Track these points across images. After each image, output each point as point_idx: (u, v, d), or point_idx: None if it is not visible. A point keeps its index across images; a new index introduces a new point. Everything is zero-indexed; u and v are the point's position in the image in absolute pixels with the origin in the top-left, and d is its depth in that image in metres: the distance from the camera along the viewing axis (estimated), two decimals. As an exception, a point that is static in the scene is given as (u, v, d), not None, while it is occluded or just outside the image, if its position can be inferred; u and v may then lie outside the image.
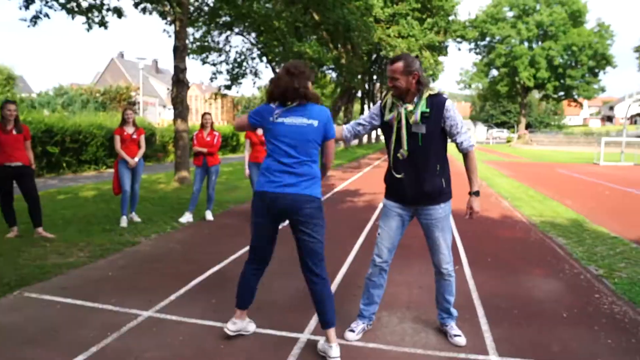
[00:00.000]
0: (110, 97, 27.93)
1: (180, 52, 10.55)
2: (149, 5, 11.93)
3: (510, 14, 43.08)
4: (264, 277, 3.57)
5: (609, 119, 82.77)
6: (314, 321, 3.54)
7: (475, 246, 6.01)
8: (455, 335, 3.32)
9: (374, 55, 24.92)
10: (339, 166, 17.99)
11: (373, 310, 3.45)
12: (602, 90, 43.02)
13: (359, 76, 20.65)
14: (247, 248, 5.55)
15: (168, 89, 50.47)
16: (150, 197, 9.13)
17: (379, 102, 3.34)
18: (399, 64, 3.02)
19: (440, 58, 23.07)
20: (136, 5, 11.72)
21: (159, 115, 41.68)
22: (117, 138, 6.68)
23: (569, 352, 3.22)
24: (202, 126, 7.16)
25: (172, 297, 3.94)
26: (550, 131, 53.98)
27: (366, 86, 25.67)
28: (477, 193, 3.27)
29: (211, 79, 17.26)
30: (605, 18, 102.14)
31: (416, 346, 3.24)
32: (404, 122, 3.05)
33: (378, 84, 39.00)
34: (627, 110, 22.19)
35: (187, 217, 7.08)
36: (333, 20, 14.19)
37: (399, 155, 3.11)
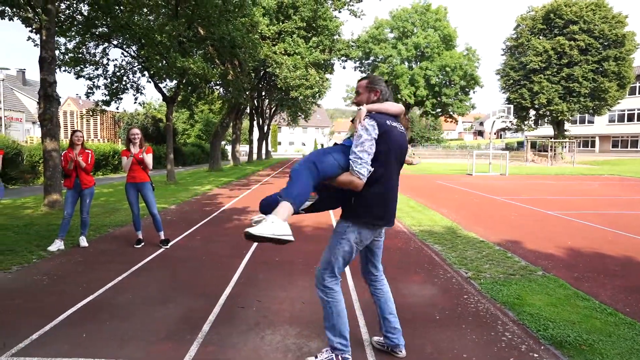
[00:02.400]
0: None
1: (47, 64, 9.66)
2: (8, 10, 10.81)
3: (391, 35, 46.19)
4: (142, 305, 3.35)
5: (480, 133, 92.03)
6: (195, 347, 3.39)
7: (357, 258, 6.20)
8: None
9: (261, 72, 25.07)
10: (226, 184, 17.68)
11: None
12: (473, 107, 47.65)
13: (247, 92, 20.58)
14: (126, 274, 5.22)
15: (38, 103, 46.14)
16: (13, 224, 8.16)
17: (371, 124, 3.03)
18: (364, 81, 3.23)
19: (327, 75, 23.94)
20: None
21: (27, 132, 37.78)
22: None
23: (439, 352, 3.44)
24: (72, 145, 6.60)
25: (34, 336, 3.53)
26: (430, 145, 58.43)
27: (255, 102, 25.68)
28: None
29: (87, 95, 16.02)
30: (472, 43, 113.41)
31: (298, 362, 3.25)
32: None
33: (267, 101, 39.25)
34: (492, 126, 24.78)
35: (57, 245, 6.44)
36: (218, 35, 14.01)
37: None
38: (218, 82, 20.53)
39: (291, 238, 2.58)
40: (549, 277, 5.35)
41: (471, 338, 3.70)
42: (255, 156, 41.19)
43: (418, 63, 45.49)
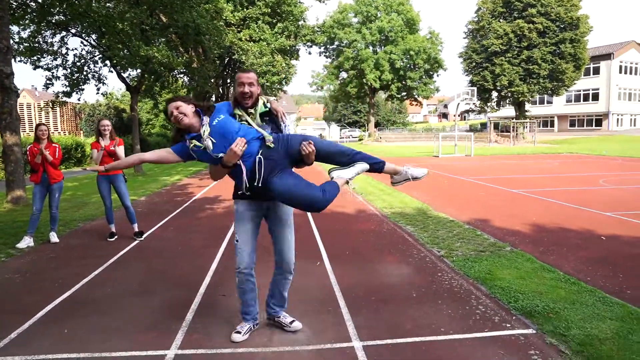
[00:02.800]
0: None
1: (3, 54, 9.26)
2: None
3: (355, 20, 46.19)
4: (123, 297, 3.35)
5: (444, 115, 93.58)
6: (180, 336, 3.42)
7: (334, 242, 6.34)
8: (292, 322, 3.56)
9: (226, 59, 24.74)
10: (195, 173, 17.51)
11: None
12: (437, 90, 48.41)
13: (212, 80, 20.29)
14: (101, 268, 5.16)
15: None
16: (-23, 222, 7.90)
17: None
18: (253, 74, 3.31)
19: (293, 62, 23.82)
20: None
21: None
22: None
23: (419, 328, 3.59)
24: (37, 139, 6.41)
25: (13, 335, 3.47)
26: (396, 128, 59.13)
27: (220, 90, 25.40)
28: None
29: (46, 85, 15.43)
30: (435, 27, 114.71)
31: (284, 344, 3.33)
32: (252, 123, 3.24)
33: (232, 88, 38.76)
34: (456, 108, 25.27)
35: (26, 242, 6.28)
36: (182, 23, 13.71)
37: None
38: (182, 71, 20.13)
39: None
40: (517, 252, 5.60)
41: (447, 313, 3.87)
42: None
43: (382, 47, 45.75)
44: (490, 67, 40.52)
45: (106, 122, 6.56)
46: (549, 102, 53.11)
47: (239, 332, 3.39)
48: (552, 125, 54.59)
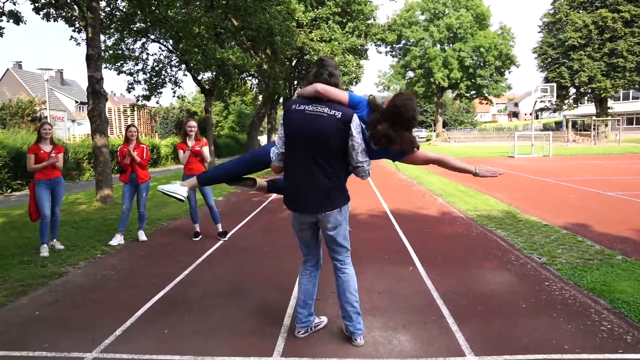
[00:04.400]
0: (10, 113, 25.46)
1: (94, 61, 9.76)
2: (53, 11, 10.98)
3: (422, 18, 45.17)
4: (216, 298, 3.26)
5: (515, 114, 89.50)
6: (281, 342, 3.28)
7: (422, 245, 6.03)
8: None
9: (294, 61, 24.98)
10: (267, 173, 17.65)
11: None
12: (509, 88, 46.32)
13: (281, 82, 20.49)
14: (191, 267, 5.20)
15: (76, 102, 47.35)
16: (71, 220, 8.31)
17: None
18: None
19: (362, 61, 23.55)
20: (37, 10, 10.71)
21: (68, 130, 38.88)
22: (32, 157, 5.97)
23: (537, 343, 3.23)
24: (127, 140, 6.61)
25: (118, 332, 3.50)
26: (464, 128, 57.19)
27: (288, 92, 25.64)
28: None
29: (128, 90, 16.22)
30: (506, 21, 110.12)
31: (392, 355, 3.10)
32: None
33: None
34: (533, 107, 23.95)
35: (118, 239, 6.49)
36: (255, 25, 13.89)
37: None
38: (252, 73, 20.46)
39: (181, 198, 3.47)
40: (632, 262, 5.03)
41: (567, 328, 3.47)
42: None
43: (451, 45, 44.42)
44: (567, 63, 38.14)
45: (193, 122, 6.65)
46: (635, 98, 49.13)
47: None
48: (639, 122, 50.48)
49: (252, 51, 17.69)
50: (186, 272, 5.07)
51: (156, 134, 31.39)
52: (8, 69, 45.73)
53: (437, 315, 3.75)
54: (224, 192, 12.07)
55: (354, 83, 23.74)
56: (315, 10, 19.39)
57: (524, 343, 3.25)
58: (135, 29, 15.08)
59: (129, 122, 29.40)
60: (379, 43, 25.42)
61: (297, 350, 3.16)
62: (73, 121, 41.49)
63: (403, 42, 45.12)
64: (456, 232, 6.83)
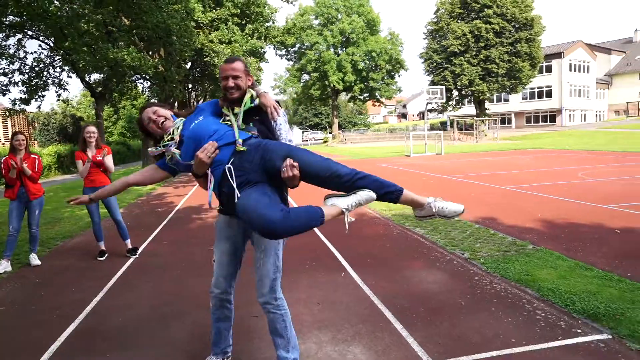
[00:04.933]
0: None
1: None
2: None
3: (316, 22, 45.98)
4: (140, 326, 2.85)
5: (404, 115, 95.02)
6: (227, 370, 2.94)
7: (348, 248, 5.95)
8: None
9: (189, 63, 24.02)
10: (167, 181, 16.65)
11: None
12: (400, 90, 48.90)
13: (179, 84, 19.49)
14: (103, 292, 4.57)
15: None
16: (-62, 246, 7.01)
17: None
18: (239, 64, 2.72)
19: (262, 64, 23.22)
20: None
21: None
22: None
23: (487, 340, 3.27)
24: (13, 149, 5.69)
25: (23, 382, 2.90)
26: (359, 129, 59.26)
27: (186, 95, 24.52)
28: None
29: (3, 92, 14.26)
30: (395, 28, 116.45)
31: (349, 372, 2.93)
32: (234, 124, 2.62)
33: (194, 93, 37.79)
34: (425, 107, 25.47)
35: (3, 266, 5.55)
36: (152, 24, 12.95)
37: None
38: (144, 76, 19.20)
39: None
40: (543, 250, 5.40)
41: (508, 321, 3.57)
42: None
43: (344, 49, 45.74)
44: (450, 67, 41.26)
45: (92, 128, 5.94)
46: (506, 100, 54.69)
47: None
48: (509, 122, 56.22)
49: (146, 52, 16.56)
50: (97, 298, 4.45)
51: (36, 142, 28.24)
52: None
53: (383, 322, 3.66)
54: (124, 203, 11.09)
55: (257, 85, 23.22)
56: (214, 10, 18.69)
57: (475, 341, 3.26)
58: (7, 22, 13.29)
59: (1, 130, 26.14)
60: (278, 46, 25.29)
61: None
62: None
63: (298, 45, 45.58)
64: (377, 233, 6.87)
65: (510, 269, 4.76)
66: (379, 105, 52.51)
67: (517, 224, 6.94)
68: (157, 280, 5.00)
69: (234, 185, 2.39)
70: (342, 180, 2.41)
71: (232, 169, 2.41)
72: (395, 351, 3.15)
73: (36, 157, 5.87)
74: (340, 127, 59.70)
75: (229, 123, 2.61)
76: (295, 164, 2.34)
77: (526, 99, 53.27)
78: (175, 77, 17.50)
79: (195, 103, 42.51)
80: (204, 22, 17.80)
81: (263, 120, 2.72)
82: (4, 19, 13.27)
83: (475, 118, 41.52)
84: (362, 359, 3.07)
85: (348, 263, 5.29)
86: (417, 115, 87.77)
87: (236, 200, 2.35)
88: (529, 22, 39.58)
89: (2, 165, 5.71)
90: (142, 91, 29.26)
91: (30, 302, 4.47)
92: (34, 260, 5.84)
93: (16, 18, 13.34)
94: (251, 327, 3.60)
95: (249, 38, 20.21)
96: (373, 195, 2.42)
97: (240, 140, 2.48)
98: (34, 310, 4.24)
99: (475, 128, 39.69)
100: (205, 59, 17.94)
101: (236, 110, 2.66)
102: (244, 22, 20.61)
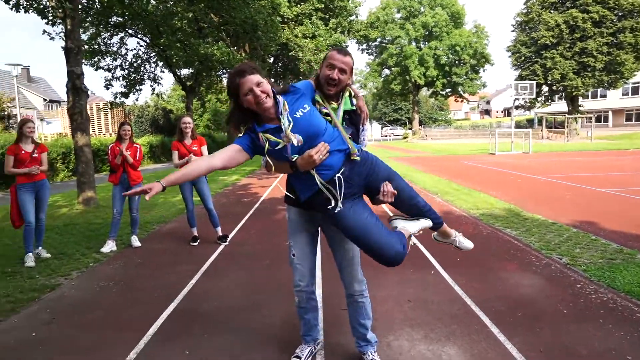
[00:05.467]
0: (-24, 112, 24.27)
1: (74, 55, 9.16)
2: (24, 1, 10.27)
3: (398, 16, 45.28)
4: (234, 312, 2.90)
5: (487, 112, 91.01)
6: (319, 359, 2.95)
7: (435, 246, 5.75)
8: None
9: (272, 58, 24.63)
10: (251, 173, 17.20)
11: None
12: (484, 85, 46.92)
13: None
14: (197, 276, 4.80)
15: (45, 100, 45.56)
16: (54, 225, 7.75)
17: None
18: (350, 59, 2.60)
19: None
20: (6, 1, 9.99)
21: (37, 129, 37.35)
22: (11, 159, 5.45)
23: (599, 355, 3.01)
24: (120, 138, 6.14)
25: (132, 355, 3.10)
26: (440, 126, 57.71)
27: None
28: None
29: (106, 87, 15.53)
30: (480, 20, 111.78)
31: (445, 374, 2.82)
32: (338, 122, 2.55)
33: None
34: (513, 104, 24.17)
35: (110, 246, 6.02)
36: (239, 20, 13.42)
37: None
38: (230, 70, 19.89)
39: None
40: (656, 261, 4.90)
41: (620, 335, 3.26)
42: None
43: (427, 43, 44.65)
44: (540, 61, 38.82)
45: (188, 119, 6.22)
46: (603, 96, 50.51)
47: (298, 357, 2.91)
48: (606, 120, 51.90)
49: (233, 47, 17.19)
50: (192, 281, 4.67)
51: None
52: (-29, 66, 43.59)
53: (478, 324, 3.50)
54: (211, 192, 11.59)
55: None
56: (299, 5, 19.01)
57: (583, 354, 3.02)
58: (112, 22, 14.40)
59: (103, 121, 28.40)
60: (361, 40, 25.13)
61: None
62: (42, 120, 39.91)
63: (379, 39, 45.13)
64: (466, 232, 6.49)
65: (619, 279, 4.36)
66: (462, 101, 50.77)
67: (622, 229, 6.36)
68: (247, 268, 5.16)
69: (339, 196, 2.36)
70: (417, 209, 2.66)
71: (342, 179, 2.37)
72: (493, 356, 2.99)
73: (138, 146, 6.28)
74: (420, 122, 58.53)
75: (329, 120, 2.53)
76: (395, 192, 2.47)
77: (627, 94, 48.84)
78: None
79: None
80: (289, 17, 18.13)
81: (353, 121, 2.67)
82: (110, 20, 14.36)
83: (566, 115, 38.81)
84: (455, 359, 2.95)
85: (437, 261, 5.14)
86: (501, 112, 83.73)
87: (336, 210, 2.36)
88: (637, 8, 36.00)
89: (109, 152, 6.17)
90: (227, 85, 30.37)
91: (133, 281, 4.80)
92: (135, 242, 6.28)
93: (119, 18, 14.39)
94: (340, 319, 3.59)
95: (333, 32, 20.31)
96: (430, 222, 2.71)
97: (356, 150, 2.43)
98: (136, 288, 4.55)
99: (567, 126, 37.12)
100: (290, 53, 18.25)
101: (333, 105, 2.60)
102: (327, 17, 20.75)
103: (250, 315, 3.76)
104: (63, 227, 7.63)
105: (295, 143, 2.30)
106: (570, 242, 5.76)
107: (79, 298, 4.32)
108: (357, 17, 22.66)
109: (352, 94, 2.67)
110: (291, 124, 2.31)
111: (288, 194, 2.70)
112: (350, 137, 2.49)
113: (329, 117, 2.53)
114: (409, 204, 2.62)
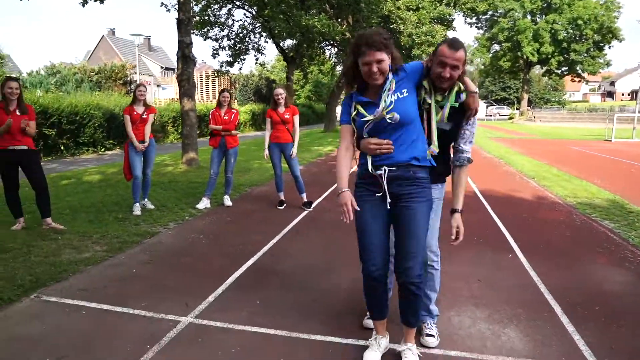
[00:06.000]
0: (105, 76, 27.06)
1: (185, 25, 9.89)
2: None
3: (514, -14, 42.11)
4: (308, 273, 3.11)
5: (610, 94, 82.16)
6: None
7: (520, 231, 5.58)
8: (428, 335, 2.90)
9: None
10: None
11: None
12: (608, 64, 42.28)
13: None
14: (279, 237, 5.14)
15: (162, 67, 49.39)
16: (159, 181, 8.62)
17: None
18: (462, 53, 2.47)
19: (449, 33, 22.30)
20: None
21: (153, 94, 40.78)
22: (128, 118, 6.15)
23: (677, 360, 2.79)
24: (219, 104, 6.62)
25: (210, 298, 3.47)
26: (552, 107, 53.41)
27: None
28: (462, 211, 2.77)
29: (213, 55, 16.54)
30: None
31: (502, 353, 2.81)
32: (433, 115, 2.53)
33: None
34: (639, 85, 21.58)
35: (204, 203, 6.60)
36: (342, -9, 13.48)
37: (428, 152, 2.52)
38: (331, 42, 20.08)
39: None
40: None
41: None
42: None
43: (544, 16, 41.08)
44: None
45: (280, 90, 6.52)
46: None
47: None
48: None
49: (335, 19, 17.29)
50: (274, 241, 5.01)
51: (235, 101, 32.12)
52: (103, 36, 48.55)
53: (548, 312, 3.39)
54: (304, 161, 12.02)
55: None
56: (402, -24, 18.54)
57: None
58: (221, -5, 15.19)
59: (211, 88, 30.26)
60: (468, 13, 23.80)
61: (398, 339, 2.95)
62: (158, 86, 43.46)
63: (490, 12, 42.38)
64: (556, 220, 6.26)
65: None
66: (580, 81, 46.36)
67: None
68: (326, 234, 5.39)
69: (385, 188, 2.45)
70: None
71: (385, 174, 2.45)
72: (556, 344, 2.90)
73: (235, 111, 6.72)
74: (530, 103, 54.64)
75: (428, 107, 2.53)
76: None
77: None
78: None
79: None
80: (392, -12, 17.75)
81: (454, 117, 2.61)
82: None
83: None
84: (517, 344, 2.91)
85: (518, 246, 4.97)
86: (629, 95, 75.10)
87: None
88: None
89: (210, 117, 6.69)
90: (329, 57, 30.69)
91: (221, 235, 5.26)
92: (227, 201, 6.80)
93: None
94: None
95: (437, 4, 19.53)
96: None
97: (429, 156, 2.50)
98: (223, 242, 4.99)
99: None
100: (391, 26, 17.96)
101: (438, 98, 2.55)
102: (432, -13, 19.99)
103: (322, 277, 3.98)
104: (167, 183, 8.44)
105: (388, 120, 2.35)
106: (677, 241, 5.23)
107: (173, 245, 4.86)
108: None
109: (462, 88, 2.55)
110: (390, 104, 2.35)
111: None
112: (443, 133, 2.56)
113: (427, 106, 2.55)
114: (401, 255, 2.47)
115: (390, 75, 2.38)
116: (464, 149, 2.73)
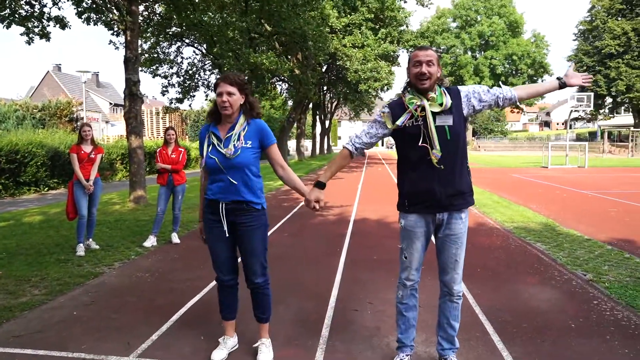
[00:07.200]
0: (49, 113, 26.27)
1: (132, 63, 9.92)
2: (94, 15, 11.23)
3: (453, 25, 44.74)
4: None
5: (547, 124, 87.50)
6: (320, 355, 3.18)
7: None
8: None
9: (325, 66, 25.06)
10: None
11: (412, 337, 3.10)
12: (542, 97, 45.23)
13: (312, 86, 20.56)
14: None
15: (110, 103, 48.49)
16: (105, 219, 8.44)
17: (381, 109, 3.02)
18: (432, 52, 2.68)
19: (394, 68, 23.41)
20: (79, 14, 10.98)
21: (102, 131, 39.84)
22: (74, 157, 6.07)
23: (593, 369, 3.04)
24: (166, 142, 6.66)
25: (154, 336, 3.46)
26: (495, 137, 56.14)
27: (320, 96, 25.68)
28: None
29: (163, 92, 16.56)
30: (540, 29, 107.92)
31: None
32: (430, 118, 2.63)
33: (328, 95, 39.16)
34: (569, 115, 23.30)
35: (151, 241, 6.53)
36: (289, 30, 13.94)
37: (432, 157, 2.66)
38: (282, 78, 20.54)
39: None
40: (687, 283, 4.75)
41: (624, 352, 3.26)
42: (317, 151, 41.32)
43: (482, 52, 43.79)
44: (603, 71, 37.09)
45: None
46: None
47: None
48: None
49: (284, 56, 17.78)
50: (220, 276, 5.02)
51: (186, 137, 31.88)
52: (48, 71, 47.29)
53: (480, 332, 3.60)
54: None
55: (385, 89, 23.62)
56: (349, 15, 19.38)
57: (577, 367, 3.07)
58: (170, 32, 15.33)
59: (161, 125, 29.94)
60: (411, 50, 25.05)
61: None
62: (107, 122, 42.54)
63: (434, 49, 44.71)
64: (493, 244, 6.62)
65: None
66: (519, 112, 49.21)
67: (661, 250, 6.15)
68: (274, 267, 5.41)
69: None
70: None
71: None
72: (486, 362, 3.10)
73: (183, 149, 6.77)
74: (474, 133, 57.23)
75: (423, 115, 2.64)
76: None
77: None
78: (310, 79, 18.45)
79: (329, 105, 44.00)
80: (338, 28, 18.49)
81: (458, 107, 2.71)
82: (169, 30, 15.30)
83: (632, 129, 36.76)
84: (453, 364, 3.08)
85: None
86: (562, 124, 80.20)
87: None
88: None
89: (157, 155, 6.70)
90: (280, 92, 31.21)
91: (167, 273, 5.22)
92: (175, 238, 6.76)
93: (178, 29, 15.30)
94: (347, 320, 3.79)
95: (382, 42, 20.46)
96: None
97: (435, 158, 2.66)
98: (169, 279, 4.96)
99: (632, 140, 35.17)
100: (338, 63, 18.60)
101: (431, 95, 2.64)
102: (377, 27, 20.96)
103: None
104: (113, 222, 8.27)
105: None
106: (600, 259, 5.66)
107: (117, 285, 4.79)
108: (407, 27, 22.70)
109: (443, 93, 2.67)
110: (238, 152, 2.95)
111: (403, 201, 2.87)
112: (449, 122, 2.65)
113: (424, 113, 2.63)
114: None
115: (239, 124, 2.88)
116: (504, 95, 2.81)
